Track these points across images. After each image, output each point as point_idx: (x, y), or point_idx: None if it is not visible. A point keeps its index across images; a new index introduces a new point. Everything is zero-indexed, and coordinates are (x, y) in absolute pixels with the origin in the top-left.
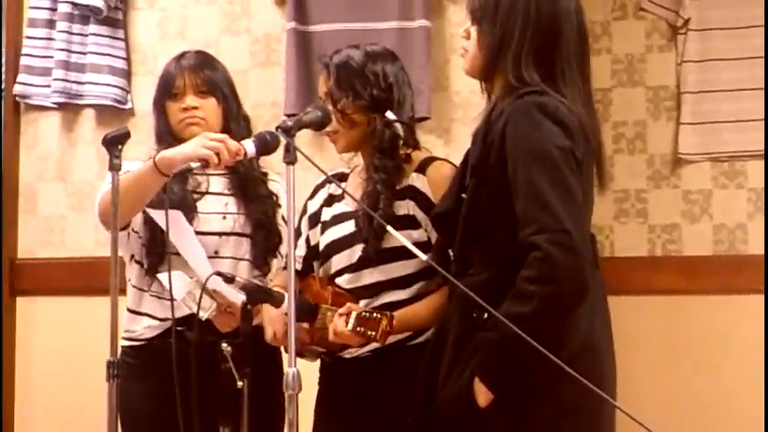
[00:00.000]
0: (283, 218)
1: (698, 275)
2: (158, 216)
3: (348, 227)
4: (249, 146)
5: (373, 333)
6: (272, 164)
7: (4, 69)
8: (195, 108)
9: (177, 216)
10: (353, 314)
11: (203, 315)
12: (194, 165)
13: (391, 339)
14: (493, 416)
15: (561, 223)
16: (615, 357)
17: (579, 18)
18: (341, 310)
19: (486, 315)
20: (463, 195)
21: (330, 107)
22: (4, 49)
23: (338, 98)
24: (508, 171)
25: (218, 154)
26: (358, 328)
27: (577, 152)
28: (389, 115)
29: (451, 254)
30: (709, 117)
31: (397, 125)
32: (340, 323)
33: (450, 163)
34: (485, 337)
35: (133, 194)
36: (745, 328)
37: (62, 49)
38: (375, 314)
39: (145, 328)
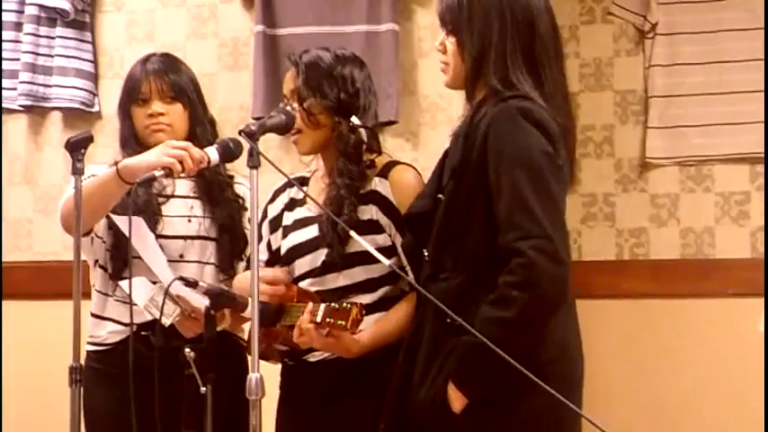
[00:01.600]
0: (250, 221)
1: (665, 279)
2: (121, 222)
3: (311, 231)
4: (212, 153)
5: (343, 322)
6: (239, 167)
7: None
8: (161, 114)
9: (138, 223)
10: (322, 306)
11: (166, 321)
12: (158, 173)
13: None
14: (466, 421)
15: (544, 230)
16: (584, 362)
17: (550, 16)
18: (309, 306)
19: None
20: (440, 196)
21: (295, 105)
22: None
23: (305, 97)
24: (489, 174)
25: (181, 162)
26: (327, 319)
27: (559, 159)
28: (354, 120)
29: (426, 255)
30: (676, 121)
31: (362, 131)
32: (306, 318)
33: (413, 167)
34: (462, 341)
35: (96, 201)
36: (713, 331)
37: (29, 52)
38: (345, 304)
39: (109, 333)
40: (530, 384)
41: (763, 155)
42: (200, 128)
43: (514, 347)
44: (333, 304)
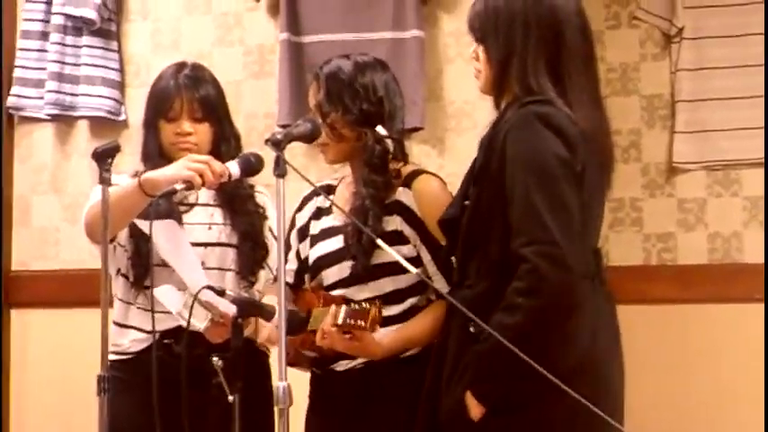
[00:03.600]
0: (270, 230)
1: (693, 284)
2: (151, 227)
3: (337, 242)
4: (234, 167)
5: (363, 323)
6: (259, 176)
7: None
8: (189, 134)
9: (171, 226)
10: (343, 308)
11: (200, 326)
12: (178, 186)
13: None
14: (485, 429)
15: (551, 235)
16: (624, 370)
17: (581, 18)
18: (332, 310)
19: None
20: (466, 203)
21: (319, 120)
22: None
23: (328, 112)
24: (506, 180)
25: (201, 176)
26: (348, 320)
27: (577, 165)
28: (380, 130)
29: (453, 262)
30: (703, 125)
31: (388, 141)
32: (328, 321)
33: (436, 176)
34: (475, 350)
35: (118, 212)
36: (741, 336)
37: (55, 61)
38: (364, 304)
39: (132, 342)
40: (548, 392)
41: None
42: (225, 145)
43: (527, 354)
44: (353, 305)
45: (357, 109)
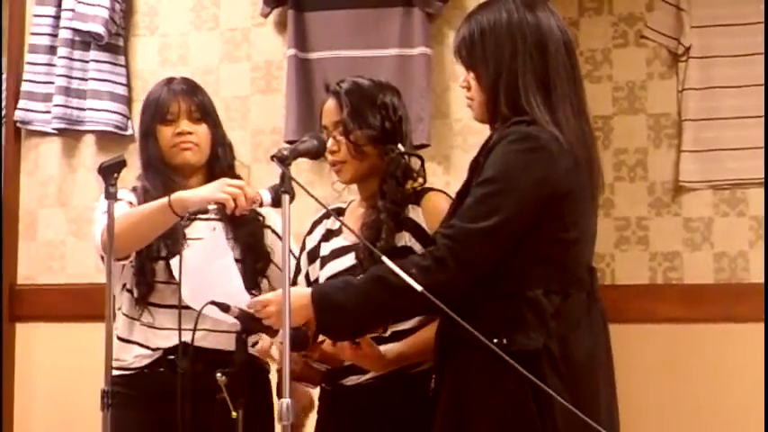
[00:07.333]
0: (274, 232)
1: (699, 304)
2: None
3: (349, 260)
4: (266, 195)
5: None
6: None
7: (5, 95)
8: (189, 133)
9: (218, 237)
10: None
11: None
12: (211, 207)
13: None
14: None
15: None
16: (615, 390)
17: (563, 32)
18: None
19: (504, 341)
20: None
21: (341, 138)
22: (4, 75)
23: (351, 129)
24: None
25: (235, 199)
26: None
27: (550, 186)
28: (400, 147)
29: None
30: (710, 144)
31: (408, 157)
32: None
33: (445, 193)
34: None
35: (143, 230)
36: (747, 356)
37: (63, 75)
38: None
39: (135, 357)
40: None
41: None
42: (222, 149)
43: None
44: None
45: (380, 126)
